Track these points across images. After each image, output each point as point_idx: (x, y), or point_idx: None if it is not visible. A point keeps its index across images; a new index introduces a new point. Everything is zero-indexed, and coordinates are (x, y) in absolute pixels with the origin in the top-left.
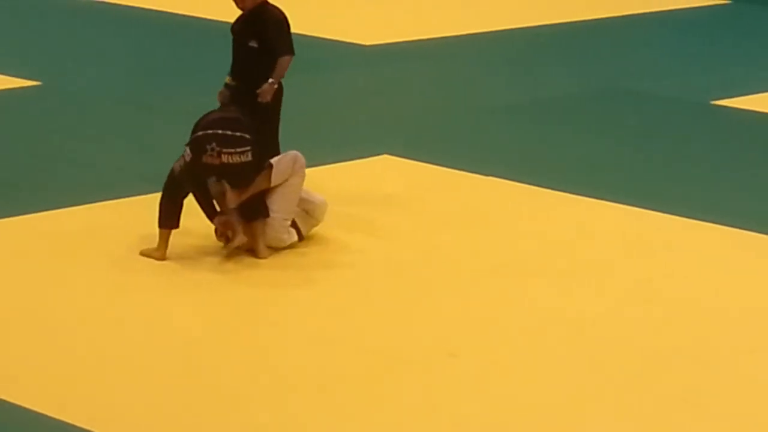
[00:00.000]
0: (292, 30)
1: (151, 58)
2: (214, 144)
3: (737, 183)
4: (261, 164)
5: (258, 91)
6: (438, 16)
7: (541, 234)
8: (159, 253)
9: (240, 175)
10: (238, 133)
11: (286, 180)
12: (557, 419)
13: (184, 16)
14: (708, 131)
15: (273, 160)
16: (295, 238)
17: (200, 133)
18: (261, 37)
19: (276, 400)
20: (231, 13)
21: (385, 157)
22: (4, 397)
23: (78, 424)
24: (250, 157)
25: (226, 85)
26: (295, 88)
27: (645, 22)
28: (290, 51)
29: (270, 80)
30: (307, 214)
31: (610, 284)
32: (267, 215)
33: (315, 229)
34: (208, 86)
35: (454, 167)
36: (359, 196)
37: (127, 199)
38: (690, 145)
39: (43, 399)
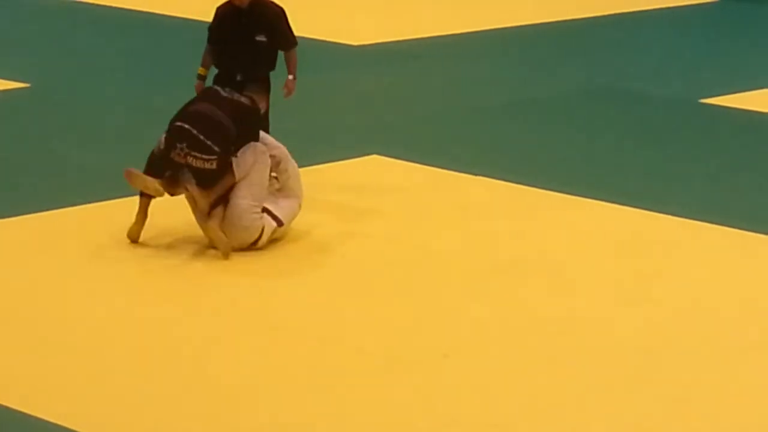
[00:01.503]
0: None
1: (141, 59)
2: (185, 144)
3: (727, 181)
4: (225, 171)
5: (285, 89)
6: (428, 15)
7: (533, 234)
8: (136, 227)
9: (201, 176)
10: (209, 142)
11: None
12: (551, 419)
13: (174, 17)
14: (697, 130)
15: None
16: (274, 224)
17: (177, 124)
18: (270, 31)
19: (268, 399)
20: None
21: (375, 158)
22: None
23: (75, 428)
24: (214, 166)
25: (199, 77)
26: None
27: (633, 21)
28: (296, 42)
29: (290, 76)
30: (280, 191)
31: (605, 284)
32: (225, 203)
33: (304, 229)
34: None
35: (444, 167)
36: (349, 196)
37: (117, 201)
38: (679, 143)
39: (38, 401)
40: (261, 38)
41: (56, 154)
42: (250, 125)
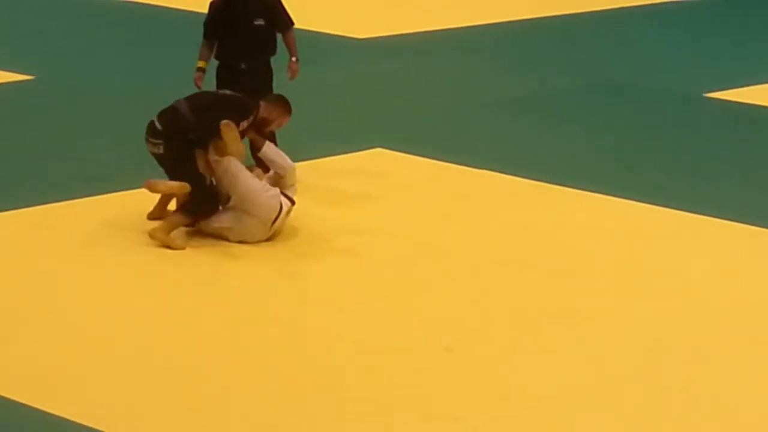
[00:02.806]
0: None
1: (146, 52)
2: (147, 133)
3: (732, 176)
4: (180, 157)
5: (289, 72)
6: (431, 9)
7: (536, 228)
8: (150, 214)
9: (165, 165)
10: (159, 127)
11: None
12: (554, 413)
13: (180, 10)
14: (702, 124)
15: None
16: (288, 203)
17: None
18: (268, 14)
19: (273, 393)
20: None
21: (379, 151)
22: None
23: (73, 419)
24: (161, 150)
25: (199, 69)
26: (288, 81)
27: (637, 16)
28: (293, 22)
29: (294, 58)
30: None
31: (609, 278)
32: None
33: (307, 221)
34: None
35: (447, 161)
36: (352, 189)
37: (120, 194)
38: (684, 138)
39: (40, 394)
40: (259, 22)
41: (59, 147)
42: (218, 112)
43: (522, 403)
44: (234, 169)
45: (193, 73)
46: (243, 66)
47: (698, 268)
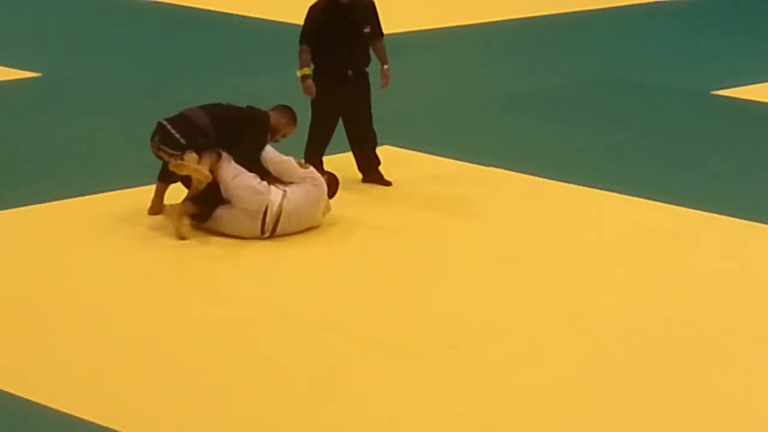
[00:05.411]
0: (295, 20)
1: (152, 49)
2: (158, 137)
3: (738, 173)
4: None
5: (384, 79)
6: (437, 7)
7: (542, 225)
8: (151, 209)
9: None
10: (177, 135)
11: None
12: (558, 410)
13: (186, 8)
14: (709, 121)
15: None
16: (278, 203)
17: (161, 120)
18: (372, 22)
19: (277, 390)
20: (234, 7)
21: (386, 148)
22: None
23: (81, 416)
24: (176, 159)
25: (308, 77)
26: (297, 79)
27: (645, 13)
28: (383, 32)
29: (386, 66)
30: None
31: (613, 275)
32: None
33: None
34: (208, 77)
35: (455, 158)
36: (359, 186)
37: (127, 191)
38: (691, 135)
39: (45, 391)
40: (367, 30)
41: (67, 144)
42: (237, 128)
43: (526, 401)
44: (225, 167)
45: (301, 83)
46: (350, 73)
47: (703, 266)
